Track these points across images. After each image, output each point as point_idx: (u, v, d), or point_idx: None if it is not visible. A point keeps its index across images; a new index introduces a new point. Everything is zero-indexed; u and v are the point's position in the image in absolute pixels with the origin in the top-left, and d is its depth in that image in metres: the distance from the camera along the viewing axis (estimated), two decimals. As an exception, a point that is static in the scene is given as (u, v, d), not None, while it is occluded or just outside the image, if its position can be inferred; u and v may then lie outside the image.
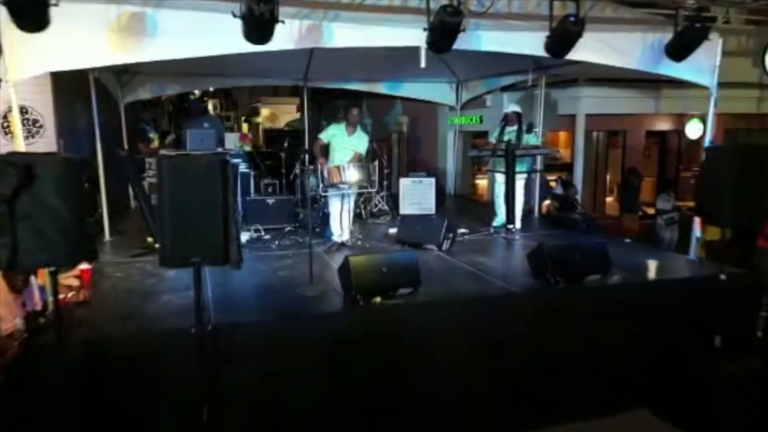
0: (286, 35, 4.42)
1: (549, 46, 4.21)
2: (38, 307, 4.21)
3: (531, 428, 4.59)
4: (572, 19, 3.98)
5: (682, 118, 11.63)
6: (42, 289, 4.36)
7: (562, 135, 12.88)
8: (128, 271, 5.57)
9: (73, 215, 3.10)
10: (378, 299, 4.58)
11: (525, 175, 7.56)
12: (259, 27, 3.60)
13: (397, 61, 7.09)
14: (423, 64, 4.73)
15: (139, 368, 3.73)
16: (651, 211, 10.65)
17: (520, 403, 4.63)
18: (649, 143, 13.02)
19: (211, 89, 25.21)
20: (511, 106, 7.59)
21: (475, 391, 4.45)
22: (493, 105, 11.24)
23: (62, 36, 3.88)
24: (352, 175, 6.13)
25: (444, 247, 6.41)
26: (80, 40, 4.05)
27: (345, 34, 4.58)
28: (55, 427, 3.47)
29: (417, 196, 8.77)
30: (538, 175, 8.82)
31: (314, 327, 4.34)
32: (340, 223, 6.55)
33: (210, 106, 28.79)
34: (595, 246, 5.29)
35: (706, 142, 5.93)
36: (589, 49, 5.10)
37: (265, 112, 30.45)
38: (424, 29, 3.92)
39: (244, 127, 29.69)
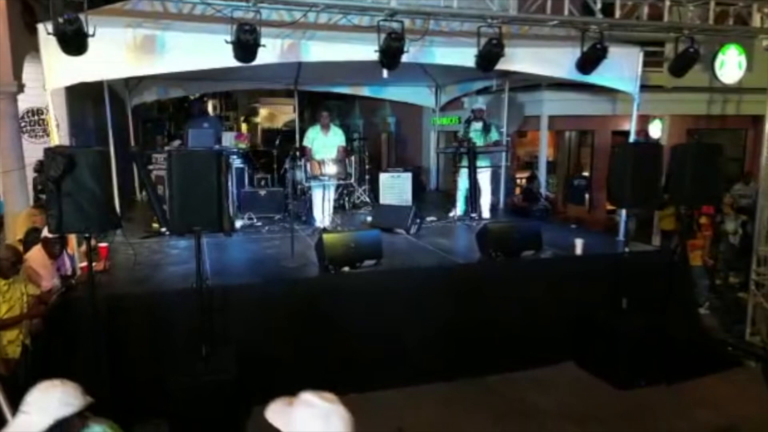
0: (271, 51, 5.42)
1: (477, 63, 5.18)
2: (69, 272, 5.22)
3: (472, 376, 5.56)
4: (494, 41, 4.95)
5: (646, 119, 12.61)
6: (72, 257, 5.36)
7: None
8: (138, 249, 6.53)
9: (103, 194, 4.10)
10: (346, 268, 5.57)
11: (489, 169, 8.52)
12: (244, 50, 4.58)
13: (379, 67, 8.05)
14: (385, 75, 5.72)
15: (152, 316, 4.74)
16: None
17: (462, 355, 5.60)
18: (621, 142, 13.98)
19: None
20: (477, 103, 8.59)
21: (423, 341, 5.44)
22: (470, 107, 12.20)
23: (91, 53, 4.81)
24: (331, 168, 7.14)
25: (411, 231, 7.40)
26: (105, 57, 5.00)
27: (319, 50, 5.58)
28: (85, 360, 4.45)
29: (395, 189, 9.76)
30: (504, 170, 9.86)
31: (293, 288, 5.34)
32: (322, 211, 7.54)
33: (210, 107, 29.81)
34: (531, 227, 6.29)
35: (631, 139, 6.92)
36: (526, 61, 6.14)
37: (263, 112, 31.41)
38: (375, 51, 4.90)
39: (243, 126, 30.58)
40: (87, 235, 4.21)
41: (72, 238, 5.16)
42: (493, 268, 5.95)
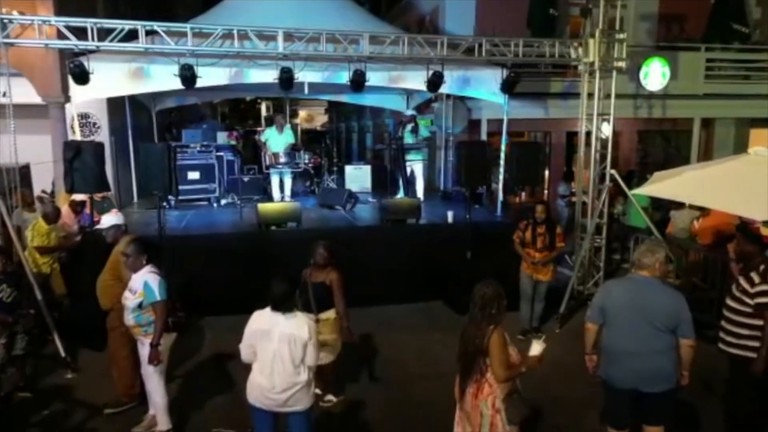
0: (224, 75, 7.92)
1: (350, 85, 7.44)
2: (86, 224, 7.84)
3: (359, 307, 7.77)
4: (359, 72, 7.18)
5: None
6: (90, 215, 7.98)
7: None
8: (143, 216, 9.16)
9: (99, 170, 6.66)
10: (273, 227, 7.95)
11: (421, 161, 10.64)
12: (186, 80, 7.06)
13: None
14: (306, 91, 8.07)
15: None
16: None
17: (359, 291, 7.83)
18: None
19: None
20: (408, 110, 10.81)
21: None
22: (439, 110, 14.33)
23: (102, 78, 7.38)
24: (282, 159, 9.57)
25: (347, 208, 9.70)
26: (110, 81, 7.62)
27: (256, 74, 7.99)
28: (92, 277, 6.99)
29: (358, 178, 12.07)
30: (450, 163, 12.06)
31: (234, 240, 7.78)
32: (281, 191, 9.97)
33: (263, 107, 33.70)
34: (413, 203, 8.49)
35: (503, 140, 8.97)
36: (414, 80, 8.33)
37: (302, 114, 34.49)
38: (274, 79, 7.26)
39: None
40: (90, 195, 6.79)
41: (88, 203, 7.79)
42: (384, 231, 8.19)
